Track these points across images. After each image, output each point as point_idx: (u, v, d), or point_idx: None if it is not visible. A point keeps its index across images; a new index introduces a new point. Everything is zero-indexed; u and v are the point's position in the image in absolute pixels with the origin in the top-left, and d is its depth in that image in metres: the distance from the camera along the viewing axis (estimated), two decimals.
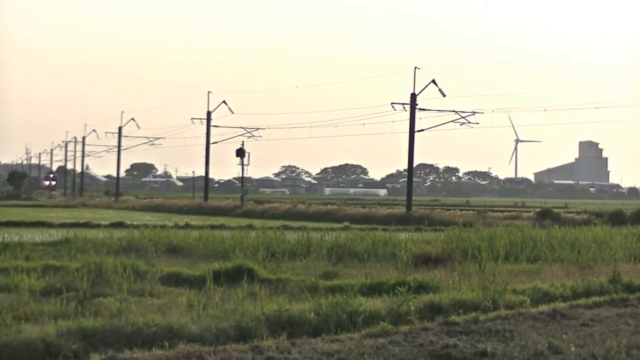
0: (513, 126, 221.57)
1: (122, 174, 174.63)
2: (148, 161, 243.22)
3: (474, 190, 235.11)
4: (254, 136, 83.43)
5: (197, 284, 17.60)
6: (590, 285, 18.57)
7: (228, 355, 11.15)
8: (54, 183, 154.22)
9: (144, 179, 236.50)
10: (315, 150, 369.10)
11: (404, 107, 62.43)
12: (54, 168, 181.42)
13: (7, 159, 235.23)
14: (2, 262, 20.32)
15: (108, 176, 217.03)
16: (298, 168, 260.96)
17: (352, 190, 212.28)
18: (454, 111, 65.65)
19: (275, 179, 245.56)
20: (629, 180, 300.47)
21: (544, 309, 15.54)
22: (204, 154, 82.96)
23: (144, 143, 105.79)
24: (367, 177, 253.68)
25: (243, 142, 76.57)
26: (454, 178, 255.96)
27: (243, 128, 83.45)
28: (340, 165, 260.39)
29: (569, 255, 25.78)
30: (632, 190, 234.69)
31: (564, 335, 13.20)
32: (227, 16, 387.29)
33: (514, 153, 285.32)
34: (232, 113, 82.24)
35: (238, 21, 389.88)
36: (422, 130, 63.75)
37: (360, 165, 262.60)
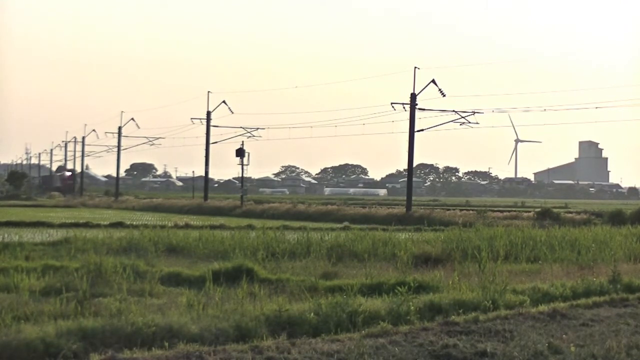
0: (513, 126, 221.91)
1: (122, 174, 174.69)
2: (148, 161, 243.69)
3: (474, 190, 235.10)
4: (253, 136, 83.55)
5: (196, 284, 17.61)
6: (590, 285, 18.56)
7: (228, 355, 11.15)
8: (71, 182, 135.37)
9: (143, 179, 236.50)
10: (315, 150, 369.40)
11: (404, 107, 62.44)
12: (54, 168, 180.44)
13: (6, 159, 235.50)
14: (2, 262, 20.31)
15: (108, 176, 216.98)
16: (298, 168, 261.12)
17: (351, 190, 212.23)
18: (454, 111, 65.70)
19: (275, 179, 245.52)
20: (629, 180, 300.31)
21: (543, 309, 15.53)
22: (204, 154, 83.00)
23: (144, 143, 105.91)
24: (367, 177, 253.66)
25: (243, 142, 76.65)
26: (453, 178, 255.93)
27: (243, 128, 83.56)
28: (340, 165, 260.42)
29: (569, 255, 25.78)
30: (632, 190, 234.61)
31: (564, 335, 13.19)
32: (227, 16, 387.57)
33: (514, 153, 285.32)
34: (232, 113, 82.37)
35: (238, 21, 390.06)
36: (422, 130, 63.78)
37: (360, 165, 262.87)
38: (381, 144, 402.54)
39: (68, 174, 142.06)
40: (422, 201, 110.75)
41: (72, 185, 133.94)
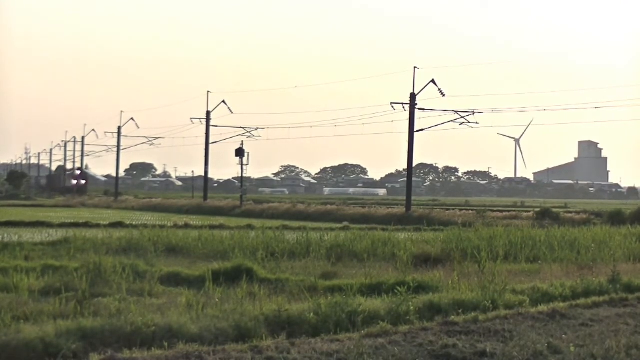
0: (507, 135, 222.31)
1: (122, 173, 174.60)
2: (147, 161, 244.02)
3: (474, 190, 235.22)
4: (253, 136, 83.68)
5: (196, 284, 17.61)
6: (589, 285, 18.56)
7: (227, 355, 11.14)
8: (83, 182, 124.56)
9: (143, 179, 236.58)
10: (315, 150, 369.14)
11: (404, 107, 62.50)
12: (54, 168, 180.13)
13: (6, 159, 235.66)
14: (2, 262, 20.32)
15: (107, 176, 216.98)
16: (297, 168, 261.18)
17: (351, 190, 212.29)
18: (453, 111, 65.74)
19: (275, 178, 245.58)
20: (628, 180, 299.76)
21: (543, 309, 15.53)
22: (204, 154, 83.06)
23: (144, 143, 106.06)
24: (366, 177, 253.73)
25: (242, 142, 76.76)
26: (453, 178, 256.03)
27: (242, 128, 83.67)
28: (339, 165, 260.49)
29: (568, 255, 25.77)
30: (632, 190, 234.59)
31: (564, 335, 13.19)
32: (227, 16, 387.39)
33: (521, 154, 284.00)
34: (232, 113, 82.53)
35: (238, 21, 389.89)
36: (422, 130, 63.82)
37: (359, 165, 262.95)
38: (381, 144, 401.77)
39: (78, 172, 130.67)
40: (422, 201, 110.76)
41: (83, 185, 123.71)
